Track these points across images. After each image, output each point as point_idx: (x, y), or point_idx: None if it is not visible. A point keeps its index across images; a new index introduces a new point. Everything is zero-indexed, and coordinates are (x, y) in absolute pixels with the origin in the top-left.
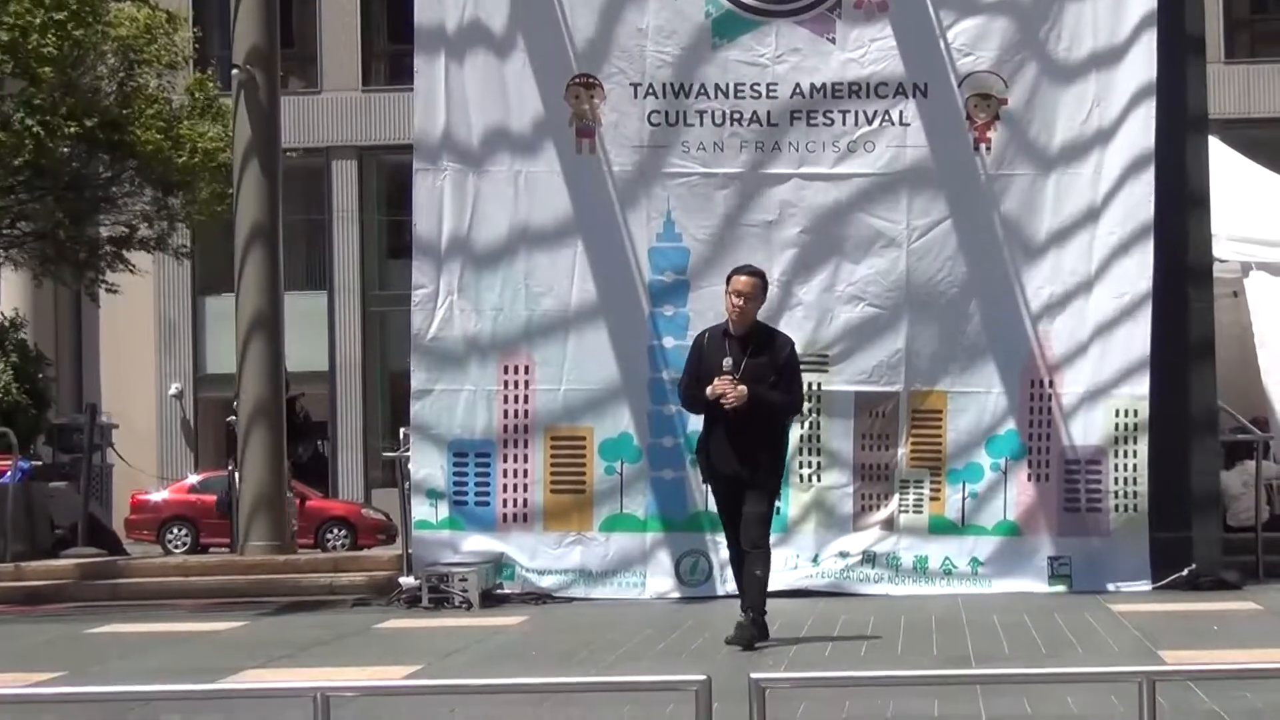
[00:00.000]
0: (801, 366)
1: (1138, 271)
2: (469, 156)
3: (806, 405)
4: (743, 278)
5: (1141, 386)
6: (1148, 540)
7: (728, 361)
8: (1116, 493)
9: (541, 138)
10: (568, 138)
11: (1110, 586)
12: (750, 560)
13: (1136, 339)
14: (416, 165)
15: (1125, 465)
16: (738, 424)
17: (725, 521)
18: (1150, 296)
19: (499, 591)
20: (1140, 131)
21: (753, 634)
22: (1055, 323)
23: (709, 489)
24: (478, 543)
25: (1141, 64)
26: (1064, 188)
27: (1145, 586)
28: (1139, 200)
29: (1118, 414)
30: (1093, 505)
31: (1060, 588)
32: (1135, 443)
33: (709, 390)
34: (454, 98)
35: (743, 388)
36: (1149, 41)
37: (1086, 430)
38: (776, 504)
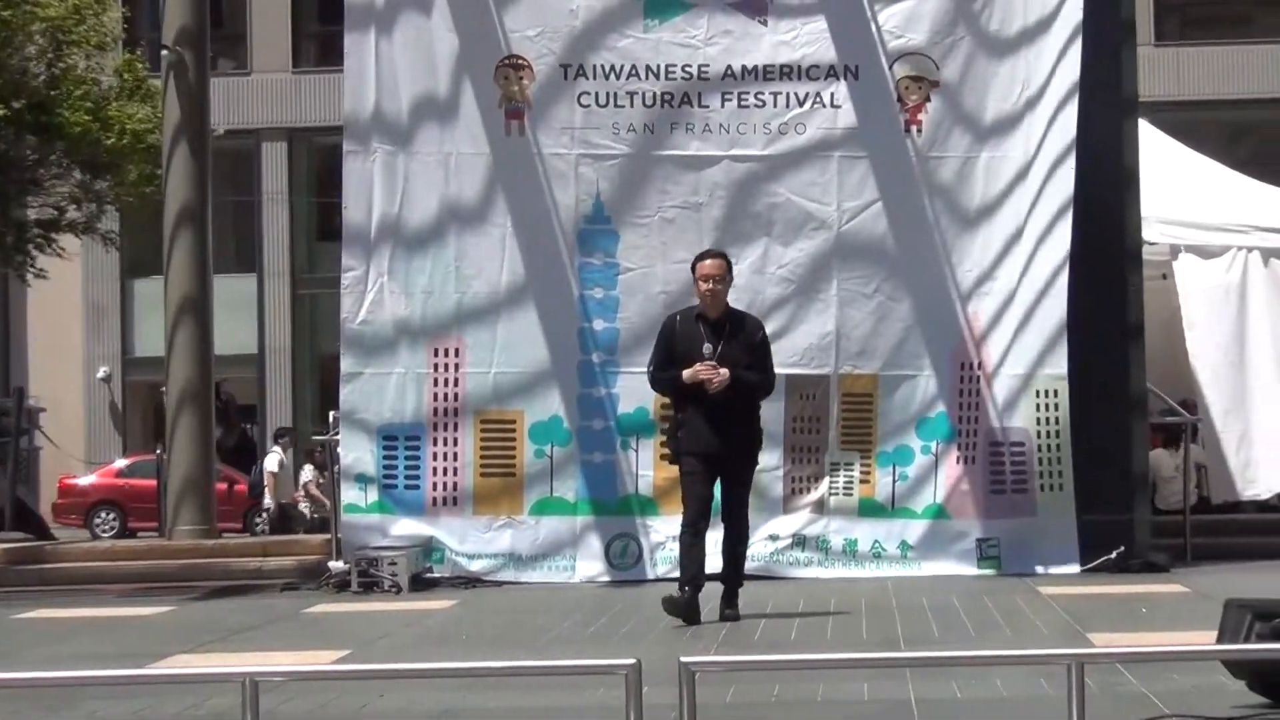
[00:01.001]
0: None
1: (1057, 251)
2: (399, 137)
3: None
4: (708, 262)
5: (1060, 366)
6: (1074, 520)
7: (708, 348)
8: (1041, 473)
9: (471, 120)
10: (497, 119)
11: (1039, 568)
12: (734, 539)
13: (1054, 319)
14: (347, 147)
15: (1048, 445)
16: (717, 408)
17: (697, 495)
18: (1067, 276)
19: (428, 575)
20: (1065, 110)
21: (733, 612)
22: (983, 304)
23: (638, 473)
24: (407, 526)
25: (1064, 35)
26: (994, 169)
27: (1074, 569)
28: (1060, 180)
29: (1039, 394)
30: (1018, 486)
31: (989, 570)
32: (1057, 423)
33: (687, 374)
34: (384, 77)
35: (725, 371)
36: (1072, 10)
37: (1010, 411)
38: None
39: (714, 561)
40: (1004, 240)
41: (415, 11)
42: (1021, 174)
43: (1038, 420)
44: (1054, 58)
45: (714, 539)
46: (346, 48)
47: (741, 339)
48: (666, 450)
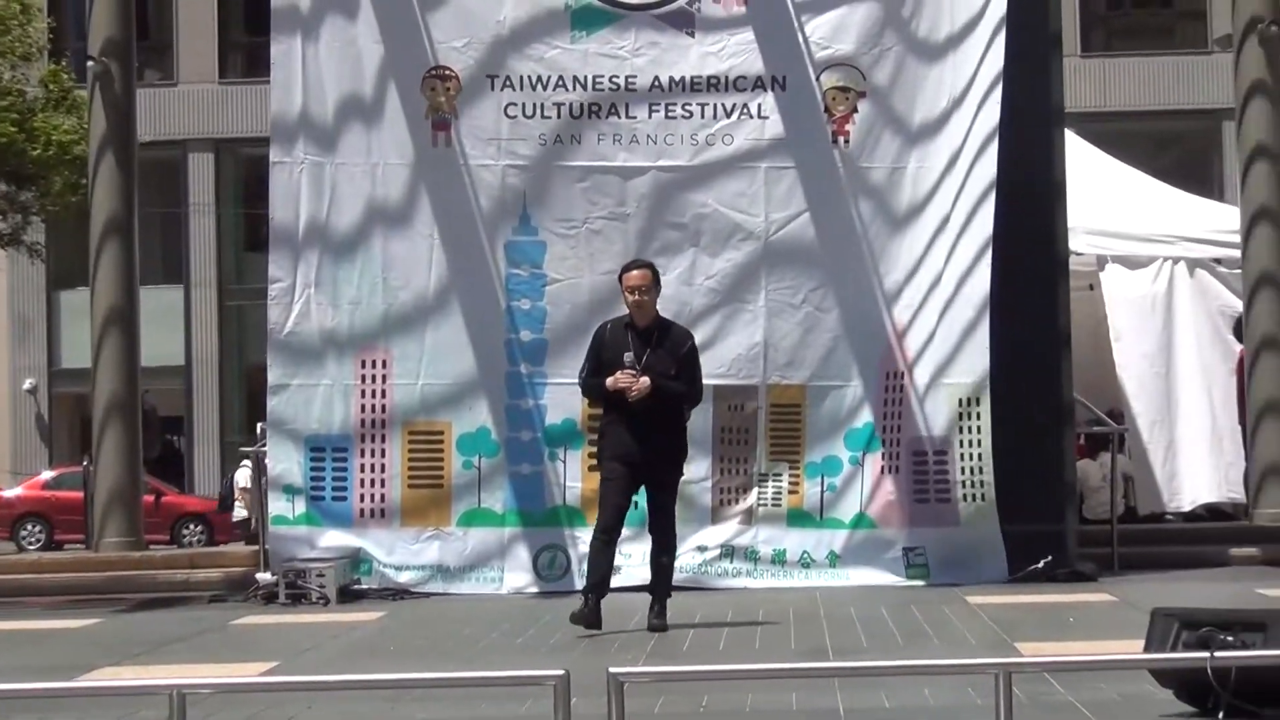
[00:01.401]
0: None
1: (980, 259)
2: (326, 147)
3: None
4: (634, 273)
5: (982, 375)
6: (998, 529)
7: (629, 356)
8: (964, 482)
9: (398, 130)
10: (424, 130)
11: (966, 577)
12: (661, 551)
13: (978, 327)
14: (273, 157)
15: (970, 454)
16: (639, 415)
17: (613, 502)
18: (989, 284)
19: (356, 587)
20: (988, 103)
21: (661, 623)
22: (910, 314)
23: (566, 484)
24: (335, 538)
25: (988, 32)
26: (921, 179)
27: (1001, 576)
28: (983, 187)
29: (961, 403)
30: (941, 496)
31: (918, 580)
32: (979, 431)
33: (609, 382)
34: (311, 85)
35: (645, 380)
36: (996, 7)
37: (933, 419)
38: (636, 499)
39: (645, 573)
40: (929, 251)
41: (342, 20)
42: (948, 185)
43: (960, 429)
44: (978, 56)
45: (645, 550)
46: (274, 56)
47: (668, 348)
48: (595, 461)
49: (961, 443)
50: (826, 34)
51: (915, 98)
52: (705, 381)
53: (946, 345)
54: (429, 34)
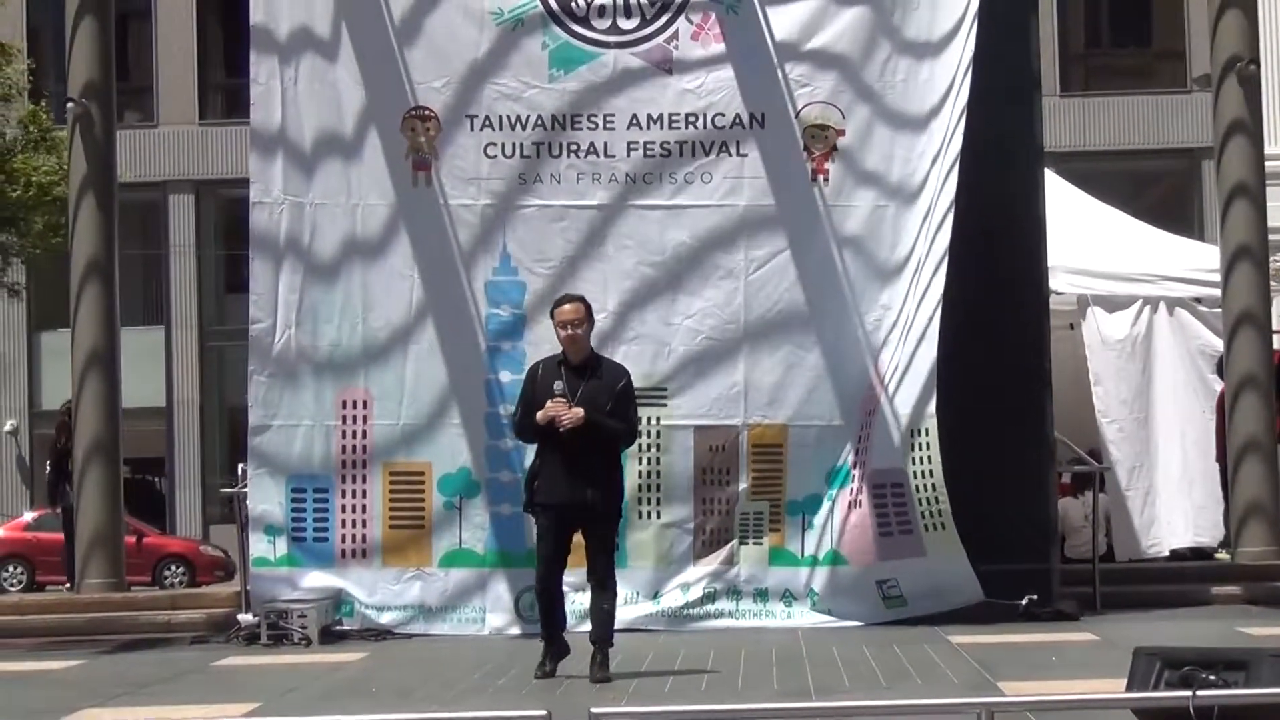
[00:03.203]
0: (640, 400)
1: (932, 287)
2: (305, 187)
3: (646, 440)
4: (567, 306)
5: (929, 404)
6: (964, 554)
7: (559, 385)
8: (923, 513)
9: (377, 170)
10: (404, 170)
11: (943, 603)
12: (601, 596)
13: (926, 357)
14: (253, 198)
15: (924, 484)
16: (574, 452)
17: (546, 554)
18: (937, 316)
19: (338, 628)
20: (953, 150)
21: (605, 674)
22: (887, 350)
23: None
24: (316, 579)
25: (950, 72)
26: (900, 217)
27: (977, 599)
28: (940, 218)
29: (914, 434)
30: (904, 527)
31: (898, 610)
32: (930, 461)
33: (540, 414)
34: (289, 111)
35: (578, 410)
36: (959, 48)
37: (889, 451)
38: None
39: (628, 612)
40: (903, 286)
41: (321, 59)
42: (924, 223)
43: (913, 460)
44: (946, 85)
45: (620, 594)
46: (252, 72)
47: (603, 383)
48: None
49: (915, 474)
50: (805, 72)
51: (894, 139)
52: (685, 422)
53: (908, 378)
54: (408, 74)
